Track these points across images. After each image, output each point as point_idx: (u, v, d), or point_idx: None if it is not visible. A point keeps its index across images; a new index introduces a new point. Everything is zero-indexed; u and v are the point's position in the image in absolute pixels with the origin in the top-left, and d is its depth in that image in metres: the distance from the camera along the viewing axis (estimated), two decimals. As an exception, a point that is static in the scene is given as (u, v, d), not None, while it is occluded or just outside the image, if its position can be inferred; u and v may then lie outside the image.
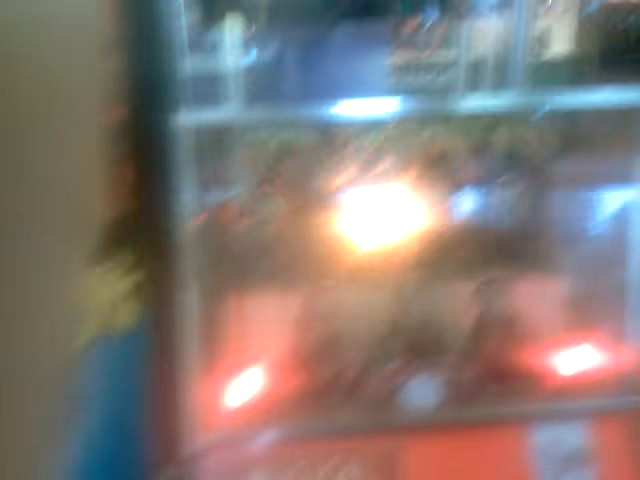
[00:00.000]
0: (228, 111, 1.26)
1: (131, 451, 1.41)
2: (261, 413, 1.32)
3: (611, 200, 1.70)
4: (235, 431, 1.29)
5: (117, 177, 1.33)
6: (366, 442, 1.28)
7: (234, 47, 2.22)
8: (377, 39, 2.42)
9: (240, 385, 1.34)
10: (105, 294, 1.35)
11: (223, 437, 1.28)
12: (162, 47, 1.43)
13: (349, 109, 1.26)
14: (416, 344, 1.38)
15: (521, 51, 1.97)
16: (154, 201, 1.40)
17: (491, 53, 2.94)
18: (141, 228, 1.40)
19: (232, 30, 2.21)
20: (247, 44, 2.40)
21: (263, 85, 2.34)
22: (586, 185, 2.00)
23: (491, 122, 1.57)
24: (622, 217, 1.36)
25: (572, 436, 1.32)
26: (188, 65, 1.59)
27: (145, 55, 1.39)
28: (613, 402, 1.37)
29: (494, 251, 1.60)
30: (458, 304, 1.47)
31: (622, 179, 1.38)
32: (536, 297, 1.50)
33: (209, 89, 1.66)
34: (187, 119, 1.20)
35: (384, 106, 1.28)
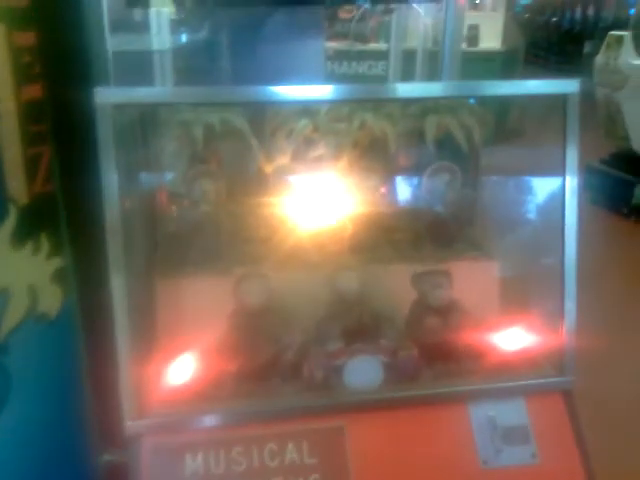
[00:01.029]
0: (153, 90, 1.21)
1: (65, 438, 1.36)
2: (199, 397, 1.29)
3: (544, 188, 1.75)
4: (173, 415, 1.25)
5: (35, 156, 1.26)
6: (310, 422, 1.27)
7: (161, 28, 2.19)
8: (310, 26, 2.43)
9: (177, 369, 1.31)
10: (29, 277, 1.28)
11: (161, 421, 1.25)
12: (80, 23, 1.39)
13: (281, 93, 1.24)
14: (354, 326, 1.37)
15: (449, 44, 2.00)
16: (75, 181, 1.35)
17: (422, 45, 2.99)
18: (63, 209, 1.35)
19: (159, 12, 2.18)
20: (178, 26, 2.37)
21: (192, 66, 2.31)
22: (518, 173, 2.05)
23: (421, 110, 1.58)
24: (555, 205, 1.38)
25: (509, 414, 1.34)
26: (113, 43, 1.54)
27: (62, 30, 1.34)
28: (547, 382, 1.39)
29: (427, 235, 1.62)
30: (395, 287, 1.47)
31: (551, 168, 1.41)
32: (471, 279, 1.51)
33: (137, 69, 1.60)
34: (109, 96, 1.15)
35: (317, 91, 1.27)
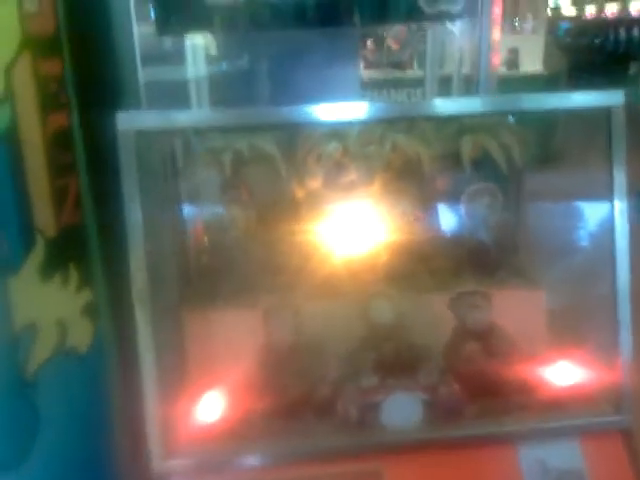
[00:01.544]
0: (177, 114, 1.17)
1: (94, 478, 1.31)
2: (229, 436, 1.22)
3: (592, 213, 1.65)
4: (202, 455, 1.20)
5: (63, 187, 1.24)
6: (345, 464, 1.19)
7: (197, 57, 2.18)
8: (345, 54, 2.40)
9: (206, 406, 1.26)
10: (57, 311, 1.25)
11: (189, 461, 1.19)
12: (111, 50, 1.37)
13: (316, 113, 1.19)
14: (389, 360, 1.29)
15: (485, 63, 1.94)
16: (106, 212, 1.32)
17: (457, 70, 2.94)
18: (94, 241, 1.32)
19: (194, 40, 2.17)
20: (214, 56, 2.38)
21: (228, 96, 2.30)
22: (565, 197, 1.96)
23: (456, 130, 1.50)
24: (604, 230, 1.29)
25: (561, 456, 1.23)
26: (148, 73, 1.52)
27: (90, 58, 1.33)
28: (603, 420, 1.28)
29: (468, 263, 1.53)
30: (432, 318, 1.39)
31: (600, 190, 1.31)
32: (516, 310, 1.42)
33: (173, 99, 1.57)
34: (131, 121, 1.13)
35: (352, 110, 1.21)
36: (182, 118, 1.17)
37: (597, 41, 8.25)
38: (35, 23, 1.17)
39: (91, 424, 1.32)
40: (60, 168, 1.24)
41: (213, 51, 2.46)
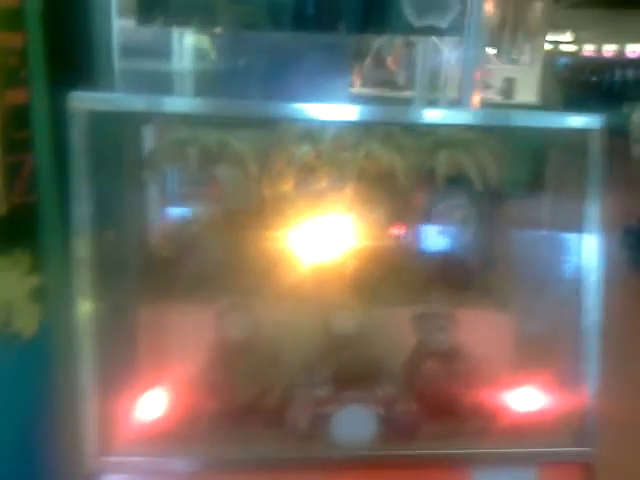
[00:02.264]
0: (133, 98, 1.12)
1: (27, 464, 1.24)
2: (171, 437, 1.16)
3: (567, 241, 1.61)
4: (138, 454, 1.13)
5: (15, 164, 1.18)
6: (290, 475, 1.14)
7: (183, 51, 2.14)
8: (337, 61, 2.37)
9: (150, 404, 1.19)
10: (3, 293, 1.20)
11: (125, 460, 1.13)
12: (86, 33, 1.33)
13: (294, 111, 1.15)
14: (346, 372, 1.23)
15: (469, 85, 1.92)
16: (60, 194, 1.26)
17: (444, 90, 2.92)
18: (44, 224, 1.26)
19: (183, 34, 2.14)
20: (205, 50, 2.35)
21: (215, 91, 2.26)
22: (542, 224, 1.92)
23: (433, 144, 1.46)
24: (577, 260, 1.24)
25: (516, 483, 1.17)
26: (131, 63, 1.48)
27: (66, 36, 1.28)
28: (564, 451, 1.23)
29: (438, 278, 1.49)
30: (396, 332, 1.34)
31: (577, 222, 1.27)
32: (482, 331, 1.37)
33: (155, 90, 1.52)
34: (84, 101, 1.07)
35: (334, 112, 1.17)
36: (141, 103, 1.12)
37: (594, 79, 8.38)
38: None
39: (28, 413, 1.26)
40: (14, 144, 1.19)
41: (203, 46, 2.43)
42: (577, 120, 1.20)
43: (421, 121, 1.25)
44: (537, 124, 1.24)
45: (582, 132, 1.19)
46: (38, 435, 1.28)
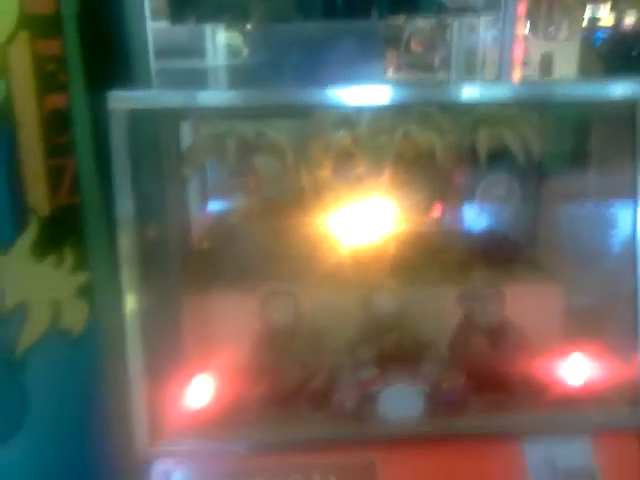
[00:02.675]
0: (173, 94, 1.14)
1: (80, 456, 1.28)
2: (220, 422, 1.18)
3: (616, 210, 1.58)
4: (189, 441, 1.16)
5: (59, 167, 1.22)
6: (338, 454, 1.15)
7: (216, 48, 2.18)
8: (369, 47, 2.37)
9: (198, 391, 1.22)
10: (51, 291, 1.23)
11: (175, 448, 1.15)
12: (122, 35, 1.36)
13: (332, 96, 1.15)
14: (391, 352, 1.24)
15: (507, 61, 1.89)
16: (104, 194, 1.30)
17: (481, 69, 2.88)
18: (89, 223, 1.30)
19: (214, 31, 2.17)
20: (238, 46, 2.38)
21: (248, 81, 2.29)
22: (589, 196, 1.88)
23: (472, 122, 1.44)
24: (628, 228, 1.22)
25: (572, 454, 1.16)
26: (166, 62, 1.51)
27: (101, 39, 1.32)
28: (618, 419, 1.21)
29: (482, 256, 1.47)
30: (439, 311, 1.34)
31: (626, 192, 1.25)
32: (531, 305, 1.36)
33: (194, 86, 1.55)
34: (124, 100, 1.10)
35: (370, 94, 1.16)
36: (178, 99, 1.14)
37: (634, 52, 8.12)
38: (34, 3, 1.16)
39: (80, 407, 1.29)
40: (56, 148, 1.22)
41: (235, 43, 2.47)
42: (622, 88, 1.15)
43: (459, 99, 1.21)
44: (579, 95, 1.20)
45: (628, 100, 1.15)
46: (90, 428, 1.32)
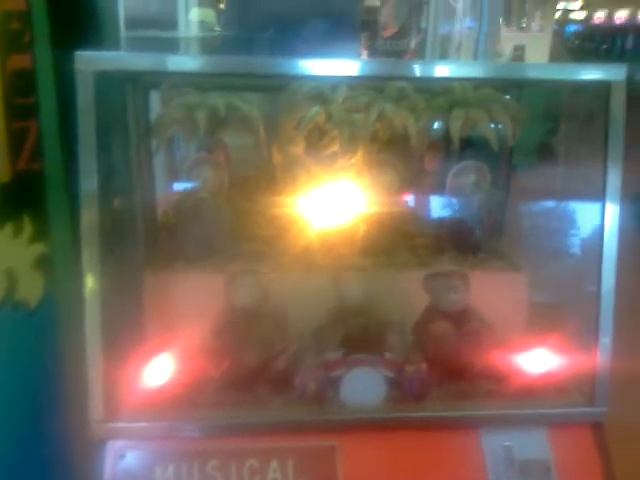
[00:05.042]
0: (140, 56, 1.09)
1: (34, 432, 1.24)
2: (178, 402, 1.16)
3: (584, 207, 1.59)
4: (145, 420, 1.13)
5: (20, 131, 1.16)
6: (298, 438, 1.13)
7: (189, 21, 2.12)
8: (342, 23, 2.33)
9: (156, 370, 1.18)
10: (7, 260, 1.19)
11: (130, 426, 1.12)
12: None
13: (311, 67, 1.13)
14: (356, 335, 1.23)
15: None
16: (64, 162, 1.25)
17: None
18: (50, 192, 1.25)
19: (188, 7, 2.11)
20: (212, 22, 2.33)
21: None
22: (558, 191, 1.90)
23: (448, 103, 1.42)
24: (592, 219, 1.22)
25: (528, 445, 1.17)
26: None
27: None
28: (575, 411, 1.22)
29: (450, 241, 1.47)
30: (407, 296, 1.33)
31: (595, 189, 1.25)
32: (495, 292, 1.36)
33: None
34: (90, 61, 1.04)
35: (344, 67, 1.14)
36: (147, 62, 1.09)
37: (604, 46, 8.24)
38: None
39: (35, 382, 1.25)
40: (18, 110, 1.17)
41: (210, 20, 2.42)
42: (595, 72, 1.14)
43: (433, 75, 1.20)
44: (557, 76, 1.19)
45: (602, 82, 1.14)
46: (44, 402, 1.28)
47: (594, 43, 7.91)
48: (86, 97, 1.04)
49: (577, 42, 8.01)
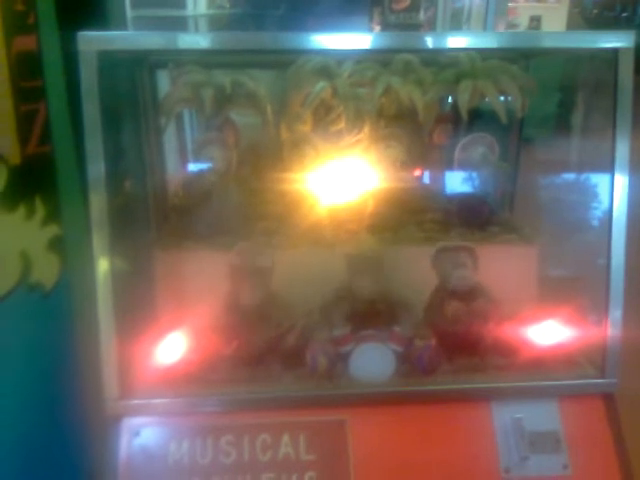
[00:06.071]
0: (143, 34, 1.08)
1: (50, 412, 1.26)
2: (191, 379, 1.17)
3: (592, 183, 1.57)
4: (159, 397, 1.14)
5: (29, 113, 1.17)
6: (309, 412, 1.14)
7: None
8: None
9: (169, 348, 1.20)
10: (21, 242, 1.20)
11: (145, 402, 1.14)
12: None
13: (318, 41, 1.10)
14: (365, 311, 1.23)
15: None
16: (74, 144, 1.26)
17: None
18: (61, 174, 1.26)
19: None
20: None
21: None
22: (569, 163, 1.87)
23: (455, 76, 1.40)
24: (604, 194, 1.21)
25: (539, 417, 1.18)
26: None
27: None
28: (586, 383, 1.22)
29: (458, 215, 1.46)
30: (414, 271, 1.33)
31: (604, 161, 1.23)
32: (506, 265, 1.36)
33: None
34: (93, 41, 1.04)
35: (356, 41, 1.12)
36: (152, 40, 1.08)
37: (624, 14, 8.05)
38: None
39: (51, 362, 1.28)
40: (26, 93, 1.17)
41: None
42: (606, 38, 1.11)
43: (444, 46, 1.15)
44: (561, 44, 1.16)
45: (610, 49, 1.11)
46: (60, 383, 1.30)
47: (613, 12, 7.72)
48: (90, 78, 1.03)
49: (595, 11, 7.82)
